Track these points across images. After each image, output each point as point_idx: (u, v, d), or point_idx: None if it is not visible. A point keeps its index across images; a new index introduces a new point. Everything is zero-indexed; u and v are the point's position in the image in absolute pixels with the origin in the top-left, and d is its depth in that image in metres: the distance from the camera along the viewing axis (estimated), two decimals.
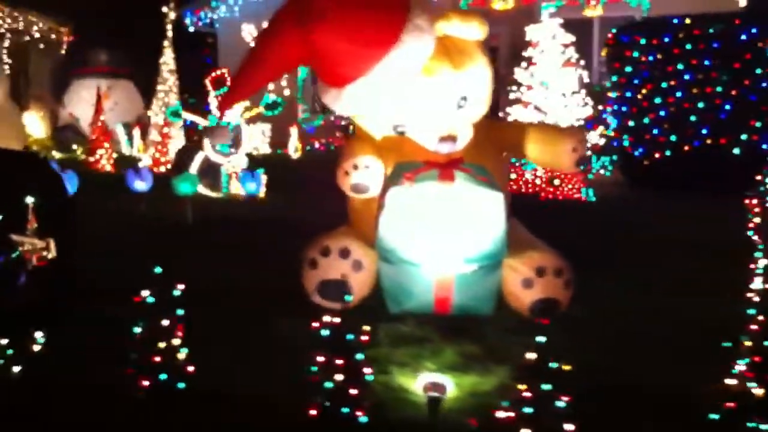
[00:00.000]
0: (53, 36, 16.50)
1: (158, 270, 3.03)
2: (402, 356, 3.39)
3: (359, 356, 2.75)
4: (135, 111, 14.02)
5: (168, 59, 11.81)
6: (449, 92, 3.98)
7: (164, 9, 12.41)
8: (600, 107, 10.87)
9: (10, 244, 3.47)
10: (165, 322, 2.97)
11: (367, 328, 2.85)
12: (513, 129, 4.70)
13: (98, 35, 15.81)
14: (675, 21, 10.03)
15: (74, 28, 16.55)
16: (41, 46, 16.33)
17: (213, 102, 8.48)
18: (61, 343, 3.33)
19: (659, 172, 10.10)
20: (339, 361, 2.73)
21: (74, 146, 13.95)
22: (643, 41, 10.17)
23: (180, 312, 3.01)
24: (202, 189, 8.40)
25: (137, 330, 2.96)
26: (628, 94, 10.38)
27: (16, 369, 3.13)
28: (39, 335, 3.27)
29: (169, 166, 10.57)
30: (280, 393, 2.91)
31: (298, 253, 4.10)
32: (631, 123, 10.36)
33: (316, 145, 16.21)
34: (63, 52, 16.82)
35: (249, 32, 13.50)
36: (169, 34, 12.10)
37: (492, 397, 2.93)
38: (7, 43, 14.36)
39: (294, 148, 14.79)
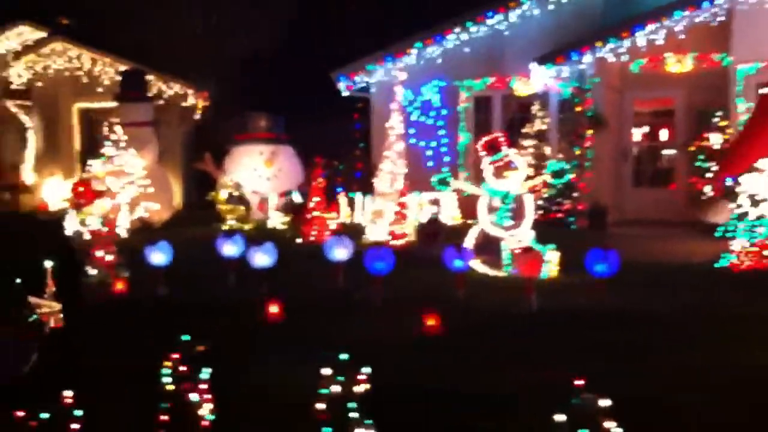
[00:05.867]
0: (189, 101, 15.97)
1: None
2: None
3: None
4: (297, 178, 13.29)
5: (395, 123, 11.52)
6: None
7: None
8: None
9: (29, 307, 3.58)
10: None
11: None
12: None
13: (240, 103, 15.16)
14: None
15: (211, 93, 15.97)
16: (176, 110, 15.90)
17: (488, 169, 7.58)
18: None
19: None
20: None
21: (272, 215, 12.78)
22: None
23: None
24: (479, 266, 7.46)
25: None
26: None
27: None
28: None
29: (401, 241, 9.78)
30: None
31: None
32: None
33: None
34: (197, 117, 16.20)
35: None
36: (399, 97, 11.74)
37: None
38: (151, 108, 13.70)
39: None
